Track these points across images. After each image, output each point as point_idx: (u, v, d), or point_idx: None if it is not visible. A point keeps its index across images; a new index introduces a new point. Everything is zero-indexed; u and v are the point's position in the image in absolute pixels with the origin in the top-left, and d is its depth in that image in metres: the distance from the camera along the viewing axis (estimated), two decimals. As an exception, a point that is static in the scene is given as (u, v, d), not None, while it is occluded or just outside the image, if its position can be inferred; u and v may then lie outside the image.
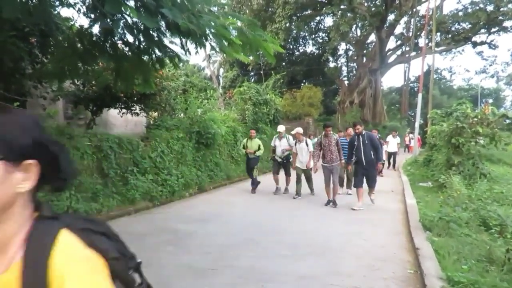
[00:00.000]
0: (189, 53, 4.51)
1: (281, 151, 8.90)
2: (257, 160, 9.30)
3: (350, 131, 11.01)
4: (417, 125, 19.22)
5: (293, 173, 8.76)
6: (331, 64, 35.11)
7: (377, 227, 5.85)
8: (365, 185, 7.46)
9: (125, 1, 3.61)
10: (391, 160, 15.74)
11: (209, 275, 3.75)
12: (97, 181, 6.52)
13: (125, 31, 4.11)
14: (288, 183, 9.08)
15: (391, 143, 15.20)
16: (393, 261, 4.28)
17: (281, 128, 9.13)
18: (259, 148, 9.09)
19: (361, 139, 7.15)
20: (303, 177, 8.50)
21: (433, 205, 7.02)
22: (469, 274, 3.54)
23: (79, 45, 4.71)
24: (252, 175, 9.39)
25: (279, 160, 8.97)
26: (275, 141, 9.07)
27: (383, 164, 11.50)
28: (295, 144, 8.37)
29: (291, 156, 8.81)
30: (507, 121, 10.17)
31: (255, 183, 9.27)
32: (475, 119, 9.41)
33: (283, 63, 32.71)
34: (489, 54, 31.41)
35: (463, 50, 31.00)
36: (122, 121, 11.36)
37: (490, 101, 43.58)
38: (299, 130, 8.37)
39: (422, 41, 26.58)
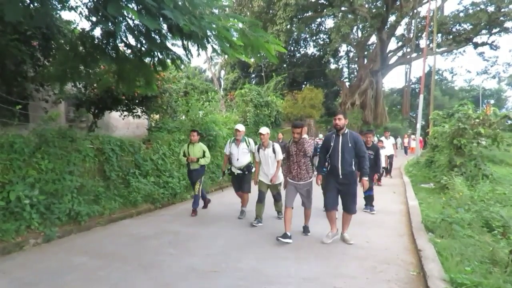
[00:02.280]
0: (191, 55, 4.52)
1: (240, 160, 6.47)
2: (201, 171, 6.94)
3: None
4: (418, 126, 19.18)
5: (255, 189, 6.36)
6: (332, 66, 35.15)
7: (379, 229, 5.83)
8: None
9: (127, 4, 3.62)
10: (388, 165, 13.29)
11: (211, 277, 3.74)
12: (99, 183, 6.52)
13: (127, 34, 4.13)
14: (245, 203, 6.63)
15: (386, 146, 13.10)
16: (396, 263, 4.26)
17: (240, 127, 6.60)
18: (203, 155, 6.89)
19: (340, 140, 4.84)
20: (268, 195, 6.15)
21: (435, 207, 6.99)
22: (472, 276, 3.52)
23: (81, 48, 4.74)
24: (195, 191, 6.94)
25: (238, 172, 6.52)
26: (229, 146, 6.61)
27: (382, 173, 10.56)
28: (258, 151, 6.04)
29: (253, 166, 6.53)
30: (509, 122, 10.13)
31: (197, 203, 6.87)
32: (477, 120, 9.38)
33: (284, 65, 32.73)
34: (490, 55, 31.56)
35: (464, 51, 31.02)
36: (123, 124, 11.41)
37: (492, 102, 43.49)
38: (264, 130, 6.02)
39: (423, 42, 26.55)
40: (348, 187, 4.85)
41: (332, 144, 4.88)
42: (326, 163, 5.07)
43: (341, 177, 4.79)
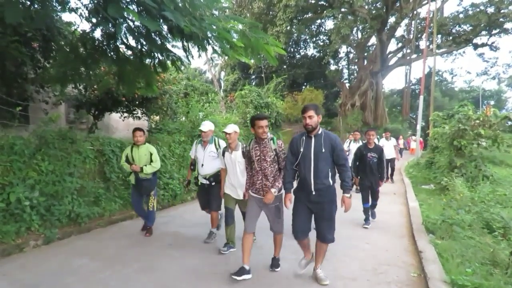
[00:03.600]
0: (192, 57, 4.53)
1: (206, 166, 5.01)
2: (154, 181, 5.44)
3: (357, 135, 10.59)
4: (418, 127, 19.19)
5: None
6: (332, 67, 35.19)
7: (379, 230, 5.83)
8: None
9: (127, 5, 3.63)
10: (389, 169, 11.73)
11: (212, 279, 3.73)
12: (99, 185, 6.52)
13: (128, 35, 4.13)
14: (215, 223, 5.16)
15: (386, 148, 10.95)
16: (396, 264, 4.26)
17: (207, 126, 5.04)
18: (151, 161, 5.29)
19: (312, 143, 3.55)
20: (237, 213, 4.74)
21: (435, 208, 6.99)
22: (473, 277, 3.52)
23: (81, 49, 4.74)
24: (140, 209, 5.51)
25: (204, 182, 5.07)
26: (195, 148, 5.22)
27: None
28: (224, 154, 4.61)
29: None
30: (509, 123, 10.16)
31: (150, 219, 5.53)
32: (477, 121, 9.39)
33: (284, 66, 32.77)
34: (490, 56, 31.70)
35: (464, 52, 30.93)
36: (124, 125, 11.39)
37: (492, 103, 43.56)
38: (230, 129, 4.49)
39: (423, 43, 26.58)
40: (323, 206, 3.53)
41: (301, 149, 3.54)
42: (295, 177, 3.75)
43: (313, 193, 3.49)
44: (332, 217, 3.60)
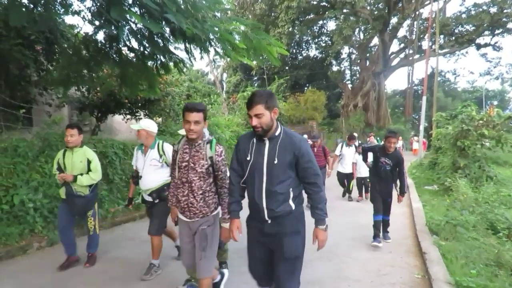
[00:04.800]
0: (194, 58, 4.54)
1: (146, 178, 3.82)
2: (88, 200, 4.04)
3: (372, 139, 10.30)
4: (421, 128, 19.13)
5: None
6: (334, 68, 35.14)
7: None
8: None
9: (130, 8, 3.65)
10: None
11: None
12: (102, 187, 6.53)
13: (130, 37, 4.14)
14: (156, 252, 3.90)
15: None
16: (400, 265, 4.24)
17: (141, 123, 3.85)
18: (88, 169, 4.00)
19: (265, 149, 2.32)
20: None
21: (439, 209, 6.95)
22: (478, 279, 3.50)
23: (84, 52, 4.76)
24: (66, 234, 4.07)
25: (148, 200, 3.91)
26: (136, 156, 4.02)
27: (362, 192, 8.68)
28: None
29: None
30: (513, 123, 10.09)
31: (93, 245, 4.28)
32: (481, 122, 9.34)
33: (286, 67, 32.78)
34: (493, 56, 31.64)
35: (467, 52, 30.92)
36: (126, 127, 11.41)
37: (495, 103, 43.44)
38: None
39: (425, 44, 26.56)
40: (282, 242, 2.34)
41: (249, 157, 2.36)
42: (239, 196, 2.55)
43: (268, 222, 2.35)
44: (297, 257, 2.38)
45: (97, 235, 4.27)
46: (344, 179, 8.64)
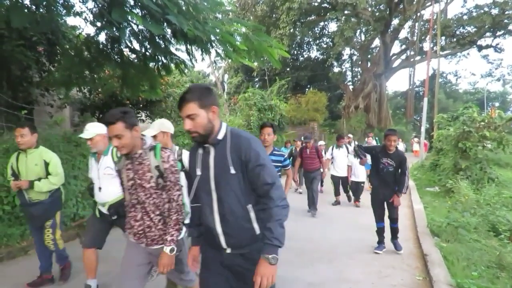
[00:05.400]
0: (195, 60, 4.55)
1: (104, 191, 3.26)
2: (46, 207, 3.51)
3: (370, 140, 9.93)
4: (423, 129, 19.09)
5: None
6: (336, 69, 35.11)
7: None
8: None
9: (131, 9, 3.66)
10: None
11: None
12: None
13: (132, 39, 4.16)
14: (91, 270, 3.39)
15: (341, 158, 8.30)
16: (401, 267, 4.23)
17: (92, 130, 3.21)
18: (46, 173, 3.46)
19: (211, 159, 1.83)
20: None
21: (440, 210, 6.94)
22: (479, 281, 3.49)
23: (86, 53, 4.78)
24: (40, 247, 3.61)
25: (105, 213, 3.37)
26: (91, 165, 3.38)
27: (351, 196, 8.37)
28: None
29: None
30: (515, 124, 10.07)
31: (59, 258, 3.73)
32: (482, 123, 9.33)
33: (288, 69, 32.78)
34: (494, 57, 31.52)
35: (468, 54, 30.79)
36: (127, 128, 11.45)
37: (497, 104, 43.32)
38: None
39: (426, 45, 26.48)
40: (246, 278, 1.79)
41: (197, 171, 1.91)
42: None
43: (228, 251, 1.85)
44: None
45: (60, 250, 3.65)
46: (339, 182, 8.23)
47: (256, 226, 1.80)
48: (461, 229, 5.17)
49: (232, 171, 1.76)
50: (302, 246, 4.92)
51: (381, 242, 4.87)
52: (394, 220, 4.84)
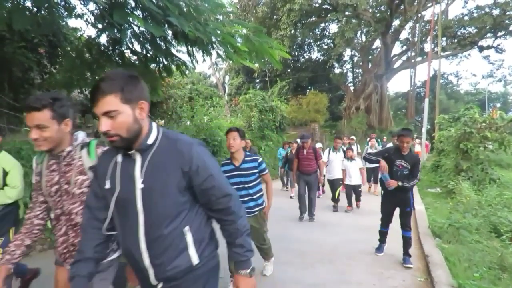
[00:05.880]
0: (196, 61, 4.56)
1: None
2: (5, 217, 2.93)
3: (373, 141, 9.64)
4: (424, 130, 19.09)
5: None
6: (337, 70, 35.12)
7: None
8: None
9: (132, 11, 3.67)
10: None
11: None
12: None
13: (133, 40, 4.17)
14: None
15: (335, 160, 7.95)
16: (403, 269, 4.22)
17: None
18: (3, 183, 2.93)
19: (135, 169, 1.39)
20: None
21: (442, 211, 6.93)
22: (481, 282, 3.48)
23: (87, 54, 4.79)
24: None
25: None
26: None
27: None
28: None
29: None
30: (516, 125, 10.05)
31: (18, 272, 3.36)
32: (483, 124, 9.33)
33: (289, 70, 32.80)
34: (496, 58, 31.45)
35: (469, 55, 30.75)
36: (129, 129, 11.49)
37: (498, 105, 43.25)
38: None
39: (427, 46, 26.53)
40: None
41: (109, 185, 1.44)
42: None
43: (158, 287, 1.47)
44: None
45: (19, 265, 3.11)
46: (330, 186, 7.86)
47: (192, 253, 1.44)
48: (463, 230, 5.16)
49: (169, 185, 1.37)
50: (302, 248, 4.92)
51: (382, 242, 4.78)
52: (406, 228, 4.39)
